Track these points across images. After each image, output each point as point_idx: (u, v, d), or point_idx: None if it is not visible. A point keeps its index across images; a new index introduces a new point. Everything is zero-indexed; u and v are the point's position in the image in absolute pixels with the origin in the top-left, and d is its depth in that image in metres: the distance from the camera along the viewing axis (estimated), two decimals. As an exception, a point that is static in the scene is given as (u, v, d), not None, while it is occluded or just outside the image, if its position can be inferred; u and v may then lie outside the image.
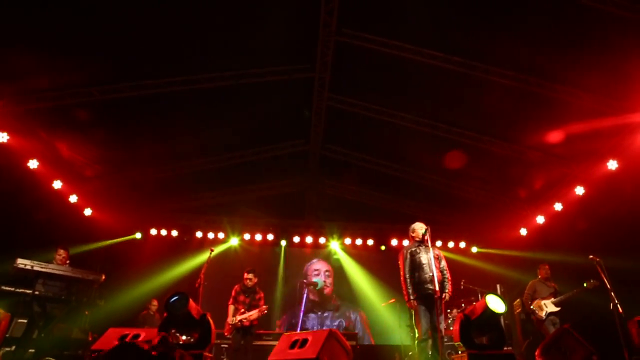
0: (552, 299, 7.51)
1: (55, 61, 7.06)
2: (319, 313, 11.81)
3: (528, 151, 8.90)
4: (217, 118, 8.94)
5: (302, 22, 7.28)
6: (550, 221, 9.96)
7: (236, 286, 7.82)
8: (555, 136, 8.23)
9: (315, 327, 11.47)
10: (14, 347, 5.52)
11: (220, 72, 7.84)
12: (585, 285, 7.10)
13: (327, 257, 12.51)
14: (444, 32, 7.19)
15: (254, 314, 7.49)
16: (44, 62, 7.07)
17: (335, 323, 11.67)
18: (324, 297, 12.01)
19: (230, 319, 7.46)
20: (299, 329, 7.30)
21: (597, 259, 6.53)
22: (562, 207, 9.45)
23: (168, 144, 9.50)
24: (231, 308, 7.59)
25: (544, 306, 7.50)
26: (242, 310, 7.53)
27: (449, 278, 5.91)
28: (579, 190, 8.85)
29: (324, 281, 12.15)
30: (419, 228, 6.04)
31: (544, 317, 7.40)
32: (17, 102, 7.54)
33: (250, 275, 7.71)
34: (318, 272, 12.36)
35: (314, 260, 12.52)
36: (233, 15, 6.93)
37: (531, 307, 7.60)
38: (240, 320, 7.39)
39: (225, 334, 7.56)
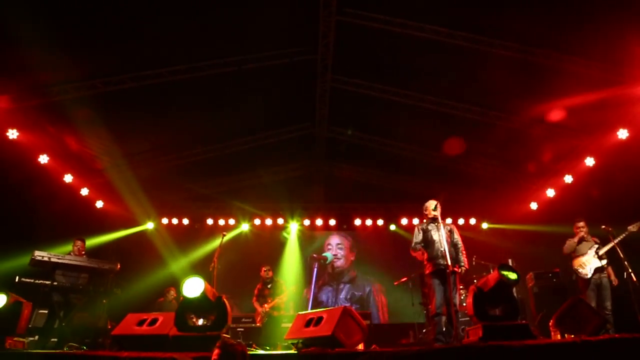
0: (594, 252, 6.89)
1: (56, 56, 7.04)
2: (334, 285, 12.05)
3: (536, 124, 8.81)
4: (221, 105, 8.95)
5: (302, 3, 7.21)
6: (561, 194, 9.91)
7: (258, 285, 8.62)
8: (563, 108, 8.12)
9: (329, 299, 11.80)
10: (37, 337, 5.66)
11: (222, 58, 7.83)
12: (630, 228, 6.49)
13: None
14: (446, 6, 7.08)
15: (283, 297, 8.39)
16: (46, 57, 7.05)
17: (349, 295, 11.91)
18: (338, 270, 12.22)
19: (261, 309, 8.20)
20: (310, 304, 7.51)
21: (610, 229, 6.50)
22: (572, 179, 9.39)
23: (173, 133, 9.55)
24: (256, 304, 8.42)
25: (585, 263, 6.86)
26: (270, 300, 8.25)
27: (463, 251, 5.93)
28: (589, 162, 8.77)
29: (335, 254, 12.30)
30: (430, 205, 6.08)
31: (589, 274, 6.76)
32: (23, 98, 7.59)
33: (267, 268, 8.68)
34: (331, 247, 12.51)
35: (331, 235, 12.68)
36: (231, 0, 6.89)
37: (575, 268, 6.98)
38: (271, 308, 8.16)
39: (258, 324, 8.22)
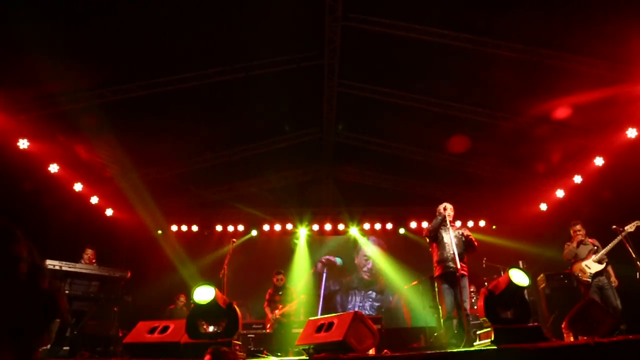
0: (594, 257, 6.72)
1: (65, 65, 7.10)
2: (363, 292, 12.14)
3: (544, 125, 8.75)
4: (229, 111, 9.00)
5: (308, 9, 7.24)
6: (571, 194, 9.83)
7: (269, 290, 8.50)
8: (570, 108, 8.07)
9: (357, 304, 11.94)
10: (49, 345, 5.68)
11: (229, 65, 7.87)
12: (627, 228, 6.32)
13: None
14: (450, 9, 7.08)
15: (293, 304, 8.26)
16: (54, 67, 7.11)
17: (377, 304, 12.01)
18: (366, 279, 12.35)
19: (271, 316, 8.10)
20: (320, 308, 7.50)
21: (621, 229, 6.43)
22: (581, 179, 9.32)
23: (182, 140, 9.59)
24: (267, 309, 8.29)
25: (586, 268, 6.69)
26: (281, 306, 8.14)
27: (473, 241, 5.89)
28: (599, 161, 8.70)
29: (369, 268, 12.35)
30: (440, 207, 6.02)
31: (590, 279, 6.59)
32: (33, 108, 7.68)
33: (280, 276, 8.50)
34: (367, 260, 12.55)
35: (364, 246, 12.62)
36: (239, 6, 6.94)
37: (575, 274, 6.83)
38: (281, 315, 8.05)
39: (268, 330, 8.18)
